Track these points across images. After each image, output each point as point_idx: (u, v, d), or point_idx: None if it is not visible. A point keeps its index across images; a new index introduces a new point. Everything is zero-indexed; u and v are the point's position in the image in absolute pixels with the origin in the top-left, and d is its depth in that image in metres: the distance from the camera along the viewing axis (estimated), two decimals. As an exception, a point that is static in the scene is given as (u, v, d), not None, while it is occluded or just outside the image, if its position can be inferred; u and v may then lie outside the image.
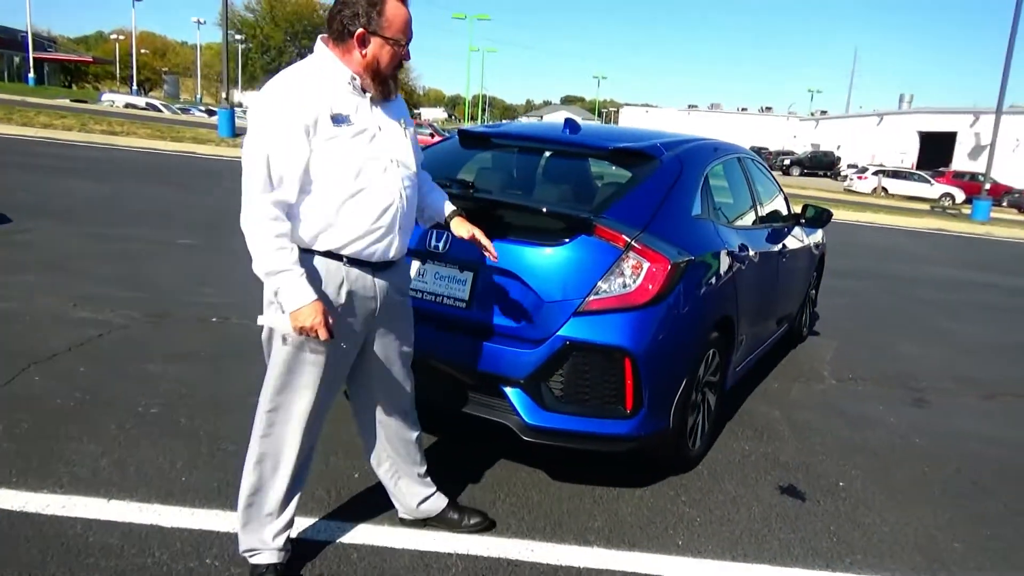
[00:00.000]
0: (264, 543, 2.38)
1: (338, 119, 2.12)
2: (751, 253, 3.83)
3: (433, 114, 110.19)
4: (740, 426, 4.07)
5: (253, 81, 76.11)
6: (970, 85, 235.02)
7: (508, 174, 3.84)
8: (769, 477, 3.49)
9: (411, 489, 2.71)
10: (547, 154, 3.83)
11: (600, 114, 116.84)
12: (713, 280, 3.31)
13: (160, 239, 7.64)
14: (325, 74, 2.16)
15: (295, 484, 2.41)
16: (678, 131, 4.31)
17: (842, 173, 47.00)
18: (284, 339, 2.23)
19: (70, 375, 3.90)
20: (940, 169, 42.37)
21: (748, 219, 4.18)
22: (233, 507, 2.76)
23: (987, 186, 22.18)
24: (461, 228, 2.59)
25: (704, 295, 3.22)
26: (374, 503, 2.88)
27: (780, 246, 4.48)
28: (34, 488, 2.80)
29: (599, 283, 2.86)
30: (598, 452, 3.10)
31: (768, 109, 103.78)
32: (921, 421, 4.49)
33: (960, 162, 48.62)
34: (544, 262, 2.90)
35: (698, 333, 3.21)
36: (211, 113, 43.08)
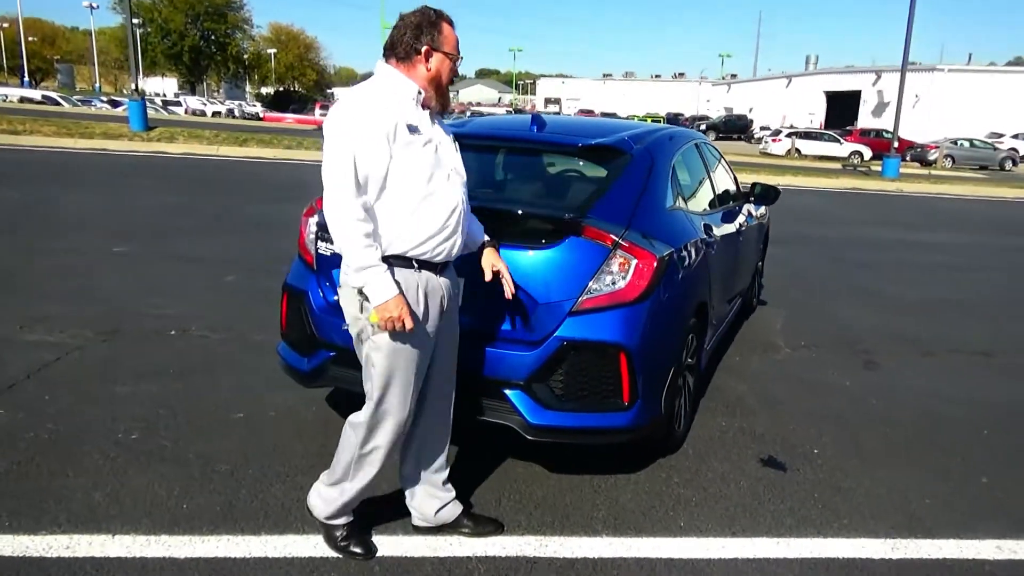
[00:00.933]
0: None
1: (412, 128, 2.35)
2: (716, 237, 3.98)
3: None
4: (713, 402, 4.25)
5: (155, 67, 72.67)
6: (872, 44, 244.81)
7: (482, 176, 3.85)
8: (750, 451, 3.67)
9: (431, 493, 2.77)
10: (518, 153, 3.87)
11: (517, 86, 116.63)
12: (691, 269, 3.44)
13: (94, 248, 7.32)
14: (396, 89, 2.39)
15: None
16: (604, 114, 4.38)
17: (756, 136, 48.46)
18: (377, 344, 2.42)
19: (36, 405, 3.75)
20: (847, 128, 44.19)
21: (710, 203, 4.33)
22: (241, 530, 2.78)
23: (895, 144, 23.32)
24: (488, 260, 2.75)
25: (685, 285, 3.35)
26: (383, 515, 2.90)
27: (737, 226, 4.66)
28: (31, 531, 2.71)
29: (590, 283, 2.94)
30: (595, 444, 3.20)
31: (681, 75, 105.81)
32: (873, 383, 4.78)
33: (865, 120, 50.92)
34: (536, 265, 2.96)
35: (682, 322, 3.34)
36: (115, 104, 40.99)
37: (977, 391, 4.74)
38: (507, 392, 2.96)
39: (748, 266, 5.35)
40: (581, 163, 3.84)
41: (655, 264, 3.01)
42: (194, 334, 4.97)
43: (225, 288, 6.23)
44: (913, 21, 21.51)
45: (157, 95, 55.41)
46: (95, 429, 3.52)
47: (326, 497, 2.65)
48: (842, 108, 55.19)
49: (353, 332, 2.51)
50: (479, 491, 3.15)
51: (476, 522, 2.85)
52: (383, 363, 2.43)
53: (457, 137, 3.90)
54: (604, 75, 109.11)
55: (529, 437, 2.95)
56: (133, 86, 21.80)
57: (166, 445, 3.41)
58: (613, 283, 2.96)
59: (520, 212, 3.17)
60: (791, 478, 3.43)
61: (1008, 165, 34.28)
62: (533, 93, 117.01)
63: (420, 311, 2.43)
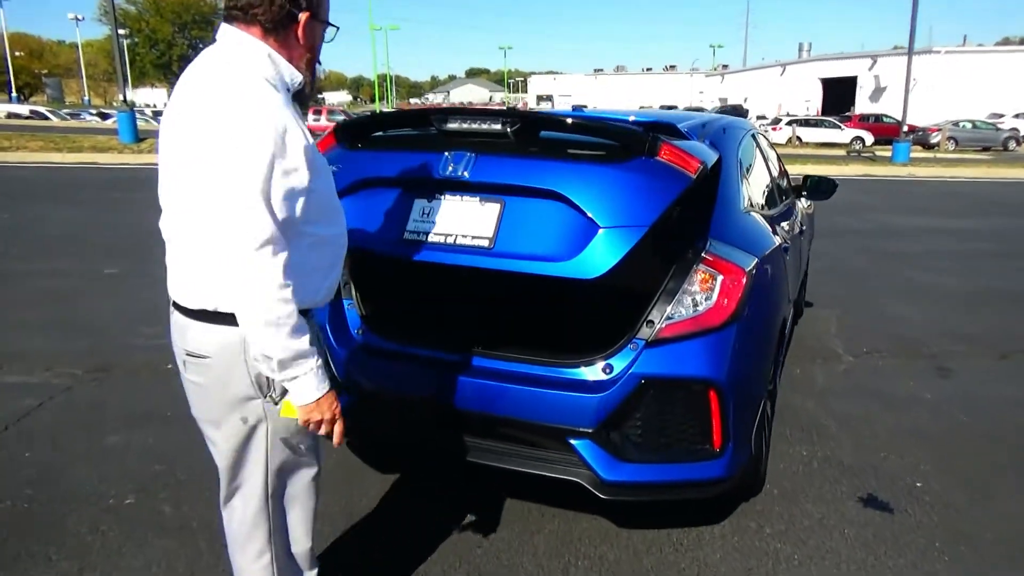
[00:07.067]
0: None
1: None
2: (787, 241, 3.47)
3: (337, 97, 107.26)
4: (784, 426, 3.74)
5: (144, 77, 72.10)
6: (861, 30, 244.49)
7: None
8: (843, 487, 3.17)
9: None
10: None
11: (508, 85, 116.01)
12: (775, 281, 2.93)
13: (82, 270, 6.81)
14: (283, 78, 1.65)
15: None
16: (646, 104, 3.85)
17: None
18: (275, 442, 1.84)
19: (14, 464, 3.23)
20: (846, 114, 43.65)
21: (774, 202, 3.82)
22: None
23: (905, 128, 22.80)
24: None
25: (771, 300, 2.84)
26: None
27: (799, 225, 4.16)
28: (2, 640, 2.21)
29: (669, 306, 2.43)
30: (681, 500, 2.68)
31: (672, 67, 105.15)
32: (954, 393, 4.27)
33: (862, 105, 50.30)
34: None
35: (771, 344, 2.84)
36: (104, 116, 40.37)
37: (1072, 399, 4.24)
38: (573, 442, 2.44)
39: (803, 268, 4.85)
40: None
41: (743, 279, 2.51)
42: (193, 367, 4.45)
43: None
44: (918, 2, 20.99)
45: (147, 106, 54.85)
46: (82, 494, 3.01)
47: None
48: (838, 94, 54.54)
49: (227, 419, 1.80)
50: (541, 557, 2.64)
51: None
52: (268, 451, 1.84)
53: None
54: (595, 70, 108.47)
55: (602, 496, 2.44)
56: (121, 97, 21.19)
57: (165, 511, 2.90)
58: (695, 305, 2.45)
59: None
60: (901, 522, 2.92)
61: (1011, 145, 33.75)
62: (525, 91, 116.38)
63: None
